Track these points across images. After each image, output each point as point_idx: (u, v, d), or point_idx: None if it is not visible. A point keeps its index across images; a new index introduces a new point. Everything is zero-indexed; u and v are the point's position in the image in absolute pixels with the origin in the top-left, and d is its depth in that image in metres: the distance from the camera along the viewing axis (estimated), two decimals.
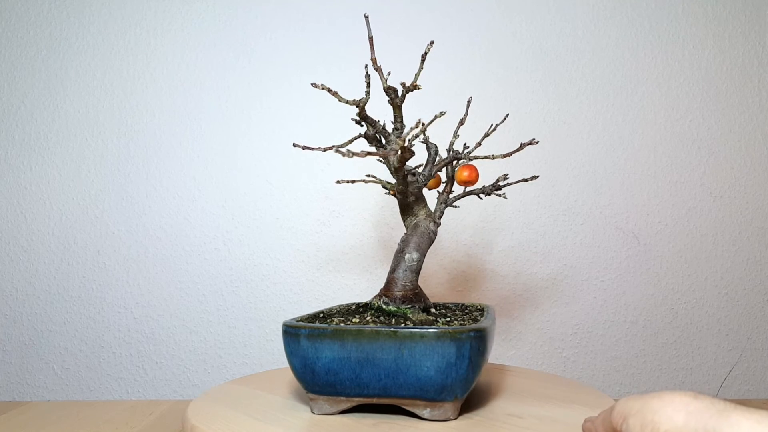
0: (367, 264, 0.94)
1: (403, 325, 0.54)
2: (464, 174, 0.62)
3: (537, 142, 0.64)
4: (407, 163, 0.63)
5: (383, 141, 0.61)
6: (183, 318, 0.93)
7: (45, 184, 0.95)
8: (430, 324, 0.55)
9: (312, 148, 0.55)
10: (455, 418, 0.51)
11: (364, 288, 0.93)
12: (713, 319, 0.95)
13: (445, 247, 0.95)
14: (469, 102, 0.67)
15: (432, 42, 0.56)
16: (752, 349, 0.95)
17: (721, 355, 0.95)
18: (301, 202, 0.95)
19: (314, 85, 0.53)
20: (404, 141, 0.50)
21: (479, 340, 0.49)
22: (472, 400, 0.57)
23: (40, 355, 0.93)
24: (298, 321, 0.55)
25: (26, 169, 0.95)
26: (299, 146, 0.55)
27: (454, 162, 0.66)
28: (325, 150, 0.52)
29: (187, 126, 0.95)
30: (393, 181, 0.63)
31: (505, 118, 0.69)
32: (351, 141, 0.66)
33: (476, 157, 0.65)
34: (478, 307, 0.67)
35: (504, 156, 0.63)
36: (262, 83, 0.96)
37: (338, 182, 0.69)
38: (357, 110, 0.56)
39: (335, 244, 0.95)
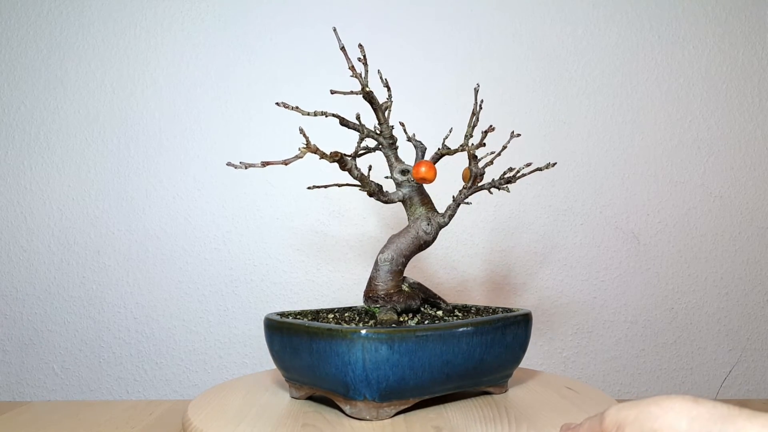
0: (367, 264, 0.94)
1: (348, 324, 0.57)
2: (421, 170, 0.59)
3: (494, 129, 0.60)
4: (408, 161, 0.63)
5: (381, 143, 0.62)
6: (183, 318, 0.93)
7: (45, 184, 0.95)
8: (393, 324, 0.55)
9: (235, 166, 0.52)
10: (372, 419, 0.51)
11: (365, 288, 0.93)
12: (713, 319, 0.95)
13: (444, 247, 0.95)
14: (476, 90, 0.64)
15: (361, 44, 0.56)
16: (752, 349, 0.95)
17: (721, 355, 0.95)
18: (301, 202, 0.95)
19: (278, 104, 0.55)
20: (311, 147, 0.50)
21: (380, 343, 0.48)
22: (429, 404, 0.56)
23: (40, 355, 0.93)
24: (279, 314, 0.61)
25: (26, 169, 0.95)
26: (232, 165, 0.53)
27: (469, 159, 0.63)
28: (246, 167, 0.51)
29: (187, 126, 0.95)
30: (401, 179, 0.63)
31: (481, 104, 0.65)
32: (367, 150, 0.66)
33: (455, 151, 0.63)
34: (500, 311, 0.65)
35: (476, 147, 0.60)
36: (262, 83, 0.96)
37: (309, 188, 0.68)
38: (351, 115, 0.56)
39: (335, 244, 0.95)
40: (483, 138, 0.60)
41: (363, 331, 0.48)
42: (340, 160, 0.54)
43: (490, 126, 0.61)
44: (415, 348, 0.50)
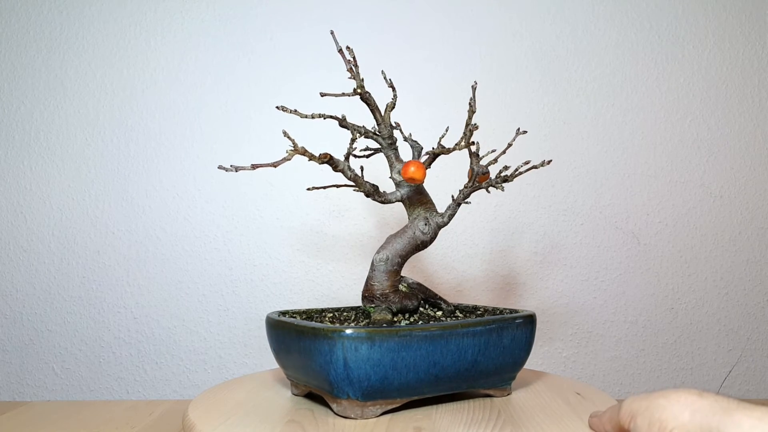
0: (367, 264, 0.94)
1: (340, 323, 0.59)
2: (410, 170, 0.58)
3: (477, 128, 0.59)
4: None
5: (381, 143, 0.62)
6: (183, 318, 0.93)
7: (45, 184, 0.95)
8: (385, 324, 0.56)
9: (226, 169, 0.52)
10: (357, 418, 0.51)
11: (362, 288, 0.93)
12: (713, 319, 0.95)
13: (444, 247, 0.95)
14: (474, 88, 0.63)
15: (349, 47, 0.57)
16: (752, 349, 0.95)
17: (721, 355, 0.95)
18: (301, 202, 0.95)
19: (277, 107, 0.55)
20: (299, 149, 0.50)
21: (360, 342, 0.49)
22: (421, 405, 0.55)
23: (40, 355, 0.93)
24: (280, 313, 0.62)
25: (26, 169, 0.95)
26: (223, 168, 0.53)
27: (476, 160, 0.63)
28: (252, 168, 0.51)
29: (187, 126, 0.95)
30: (402, 179, 0.63)
31: (471, 102, 0.64)
32: (372, 152, 0.66)
33: (449, 150, 0.62)
34: (507, 312, 0.64)
35: (465, 146, 0.60)
36: (262, 83, 0.96)
37: (309, 189, 0.68)
38: (352, 115, 0.56)
39: (335, 244, 0.95)
40: (470, 136, 0.60)
41: (346, 331, 0.49)
42: (329, 161, 0.54)
43: (474, 124, 0.60)
44: (397, 348, 0.50)
